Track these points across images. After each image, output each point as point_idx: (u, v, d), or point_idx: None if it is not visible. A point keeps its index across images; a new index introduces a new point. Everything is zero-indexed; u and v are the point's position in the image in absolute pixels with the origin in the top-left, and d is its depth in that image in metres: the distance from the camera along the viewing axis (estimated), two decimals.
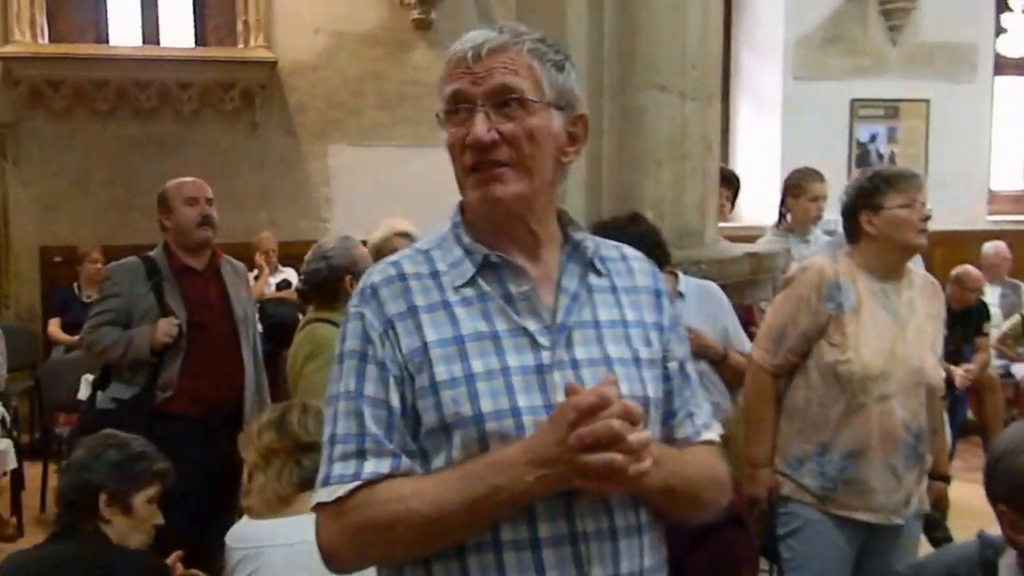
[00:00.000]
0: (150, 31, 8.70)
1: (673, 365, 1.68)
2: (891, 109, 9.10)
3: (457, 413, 1.50)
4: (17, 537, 5.75)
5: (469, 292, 1.59)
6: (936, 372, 3.28)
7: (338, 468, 1.53)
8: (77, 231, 8.10)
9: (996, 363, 7.45)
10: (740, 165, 9.17)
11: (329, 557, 1.55)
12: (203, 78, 8.41)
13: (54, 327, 7.47)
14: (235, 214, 7.38)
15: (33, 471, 6.22)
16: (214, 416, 4.10)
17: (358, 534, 1.51)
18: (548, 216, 1.66)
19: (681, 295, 3.47)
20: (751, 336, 3.74)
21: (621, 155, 3.93)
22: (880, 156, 9.01)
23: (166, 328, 4.06)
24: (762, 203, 8.34)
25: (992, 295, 7.75)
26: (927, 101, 9.11)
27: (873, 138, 9.08)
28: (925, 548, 3.49)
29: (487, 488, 1.45)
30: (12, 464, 5.78)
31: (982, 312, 7.17)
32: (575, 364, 1.56)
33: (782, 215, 5.59)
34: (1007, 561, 2.13)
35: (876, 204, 3.20)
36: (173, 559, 2.99)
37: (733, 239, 4.88)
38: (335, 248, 3.93)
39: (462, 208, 1.67)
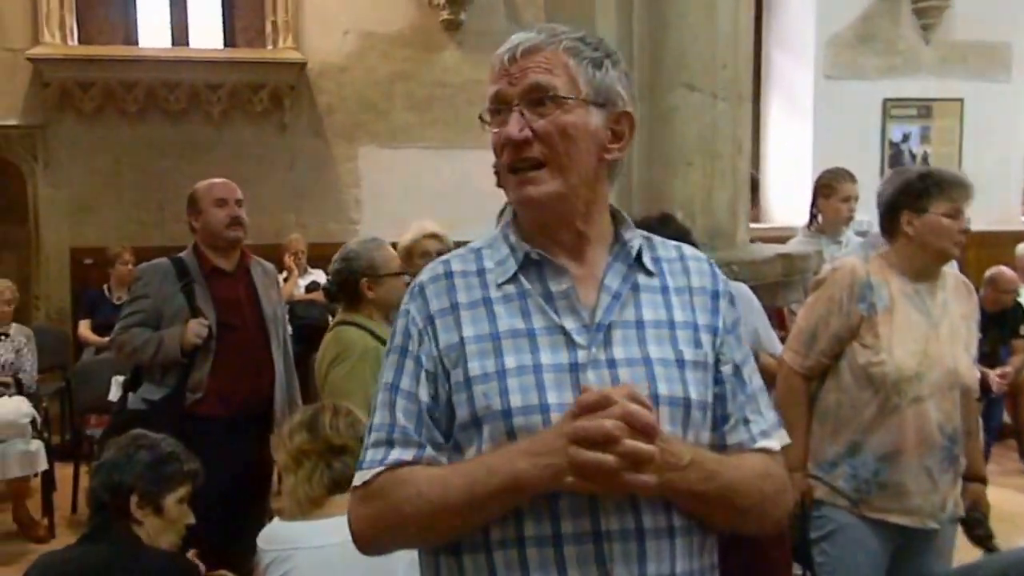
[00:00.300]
0: (179, 32, 8.75)
1: (727, 368, 1.65)
2: (924, 109, 9.03)
3: (487, 407, 1.53)
4: (49, 538, 5.78)
5: (511, 289, 1.62)
6: (971, 373, 3.24)
7: (370, 455, 1.61)
8: (107, 233, 8.15)
9: None
10: (771, 166, 9.12)
11: (356, 538, 1.64)
12: (232, 79, 8.43)
13: (84, 328, 7.52)
14: (264, 216, 7.39)
15: (64, 472, 6.26)
16: (244, 417, 4.10)
17: (377, 516, 1.59)
18: (595, 214, 1.65)
19: None
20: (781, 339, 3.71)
21: (651, 155, 3.90)
22: (913, 156, 8.95)
23: (196, 329, 4.06)
24: (793, 204, 8.30)
25: None
26: (961, 100, 9.03)
27: (906, 138, 9.00)
28: (962, 553, 3.43)
29: (485, 471, 1.48)
30: (43, 465, 5.82)
31: (1018, 314, 7.07)
32: (612, 363, 1.55)
33: (813, 216, 5.54)
34: None
35: (921, 206, 3.15)
36: (191, 555, 2.99)
37: (763, 240, 4.85)
38: (355, 250, 3.92)
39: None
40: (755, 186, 5.77)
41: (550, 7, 4.26)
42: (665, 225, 3.26)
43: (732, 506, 1.57)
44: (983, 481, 3.50)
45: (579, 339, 1.56)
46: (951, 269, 3.45)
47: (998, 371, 6.55)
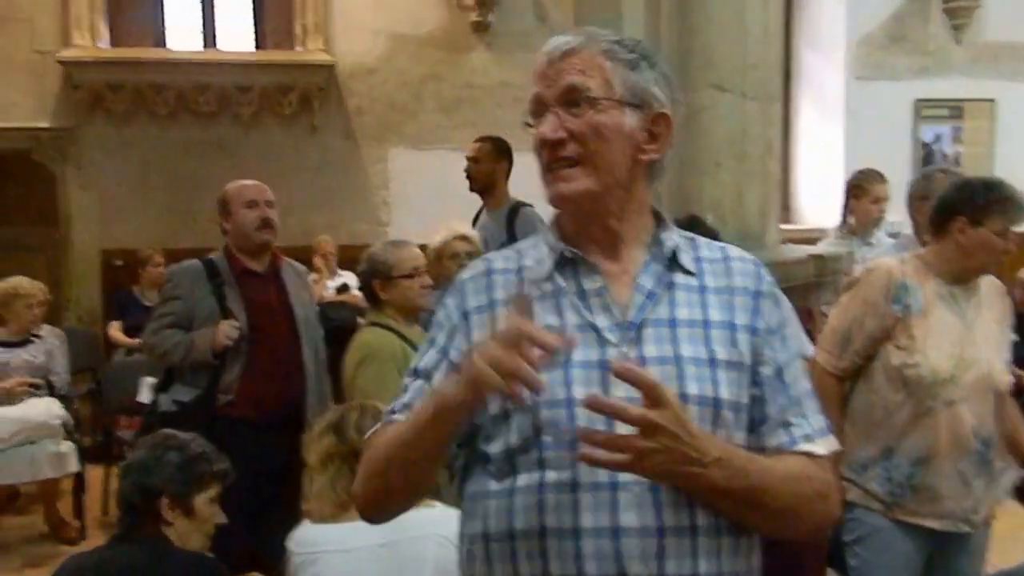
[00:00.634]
0: (209, 35, 8.80)
1: (766, 370, 1.64)
2: (956, 109, 8.98)
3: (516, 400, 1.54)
4: (79, 540, 5.81)
5: (547, 287, 1.65)
6: (1004, 377, 3.21)
7: (376, 427, 1.76)
8: (137, 235, 8.19)
9: None
10: (801, 167, 9.09)
11: (356, 503, 1.77)
12: (262, 82, 8.47)
13: (115, 330, 7.55)
14: (293, 217, 7.41)
15: (94, 474, 6.28)
16: (274, 420, 4.10)
17: (364, 467, 1.73)
18: (631, 214, 1.67)
19: None
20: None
21: (680, 157, 3.88)
22: (945, 157, 8.90)
23: (227, 331, 4.07)
24: (824, 205, 8.25)
25: None
26: (992, 101, 8.98)
27: (937, 139, 8.95)
28: (994, 556, 3.40)
29: (424, 403, 1.60)
30: (75, 467, 5.84)
31: None
32: (642, 361, 1.55)
33: (845, 217, 5.51)
34: None
35: (978, 218, 3.11)
36: None
37: (794, 241, 4.82)
38: (375, 251, 3.92)
39: None
40: None
41: (578, 8, 4.25)
42: (693, 227, 3.21)
43: (761, 506, 1.55)
44: None
45: (610, 337, 1.58)
46: None
47: None
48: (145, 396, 5.80)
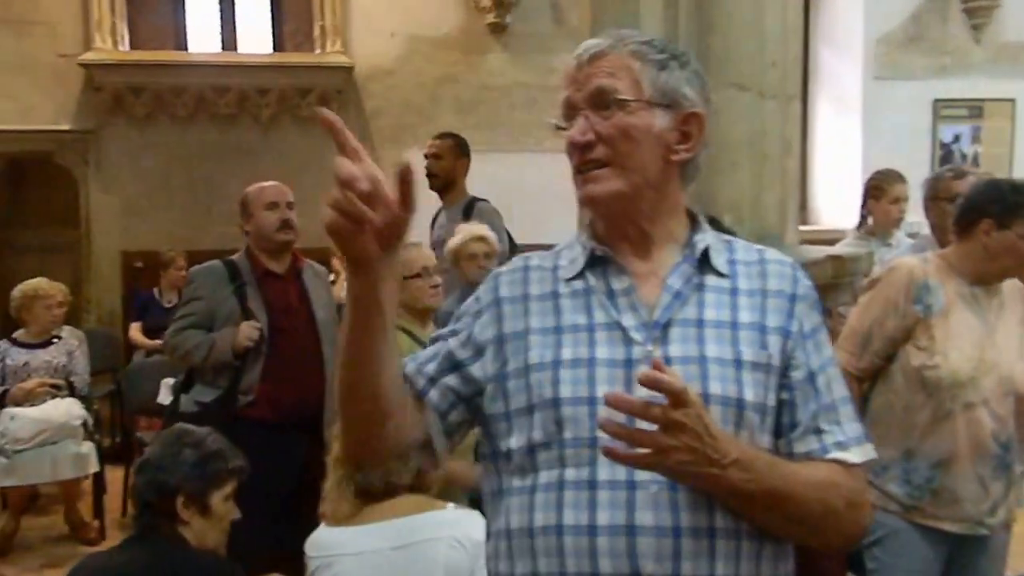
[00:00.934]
0: (228, 37, 8.83)
1: (797, 374, 1.62)
2: (975, 109, 8.93)
3: (540, 395, 1.59)
4: (99, 540, 5.84)
5: (578, 285, 1.67)
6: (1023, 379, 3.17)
7: None
8: (157, 236, 8.23)
9: None
10: (818, 167, 9.05)
11: (343, 454, 1.79)
12: (281, 84, 8.50)
13: (135, 331, 7.60)
14: (311, 219, 7.41)
15: (114, 475, 6.32)
16: (294, 420, 4.12)
17: None
18: (662, 215, 1.68)
19: None
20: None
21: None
22: (964, 157, 8.85)
23: (248, 332, 4.09)
24: (841, 206, 8.22)
25: None
26: (1012, 100, 8.93)
27: (957, 139, 8.90)
28: (1016, 559, 3.38)
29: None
30: (95, 467, 5.88)
31: None
32: (667, 361, 1.54)
33: (864, 218, 5.49)
34: None
35: (1005, 220, 3.07)
36: None
37: (810, 243, 4.80)
38: None
39: None
40: None
41: (595, 8, 4.24)
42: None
43: (784, 512, 1.53)
44: None
45: (636, 336, 1.59)
46: None
47: None
48: (165, 397, 5.84)
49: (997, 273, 3.15)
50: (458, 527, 2.63)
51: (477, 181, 5.72)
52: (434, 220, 5.72)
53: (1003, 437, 3.08)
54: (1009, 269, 3.14)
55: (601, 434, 1.49)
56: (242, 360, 4.10)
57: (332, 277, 7.20)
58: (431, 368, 1.70)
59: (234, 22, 8.83)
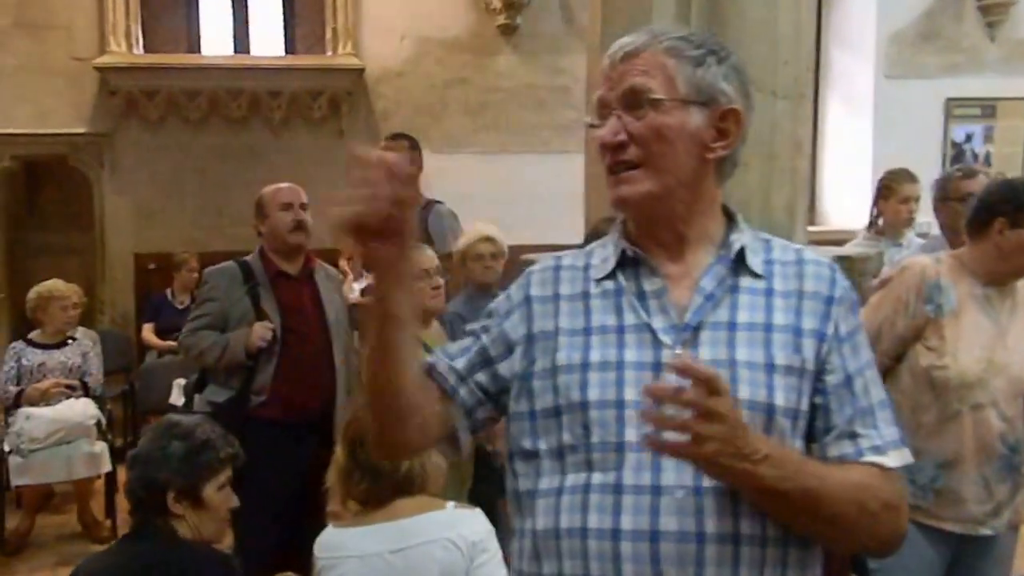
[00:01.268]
0: (241, 40, 8.86)
1: (832, 378, 1.59)
2: (988, 108, 8.88)
3: (567, 398, 1.58)
4: (111, 539, 5.85)
5: (609, 285, 1.65)
6: None
7: None
8: (169, 238, 8.28)
9: None
10: (829, 166, 9.02)
11: (371, 446, 1.78)
12: (292, 86, 8.52)
13: (148, 332, 7.64)
14: (321, 220, 7.45)
15: (126, 474, 6.32)
16: (305, 422, 4.14)
17: None
18: (696, 215, 1.65)
19: None
20: None
21: None
22: (976, 156, 8.81)
23: (261, 332, 4.11)
24: (851, 206, 8.19)
25: None
26: None
27: (969, 138, 8.86)
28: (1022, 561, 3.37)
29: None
30: (107, 467, 5.90)
31: None
32: None
33: (874, 218, 5.47)
34: None
35: (1019, 220, 3.05)
36: None
37: (819, 243, 4.79)
38: None
39: None
40: None
41: (607, 8, 4.24)
42: None
43: (815, 513, 1.50)
44: None
45: (665, 338, 1.57)
46: None
47: None
48: (177, 398, 5.87)
49: (1010, 272, 3.13)
50: (453, 528, 2.63)
51: (485, 182, 5.71)
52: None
53: (1011, 439, 3.06)
54: (1022, 268, 3.12)
55: (629, 437, 1.51)
56: (255, 360, 4.12)
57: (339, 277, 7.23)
58: (461, 364, 1.71)
59: (247, 25, 8.87)
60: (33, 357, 6.00)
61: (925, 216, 5.23)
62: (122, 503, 6.15)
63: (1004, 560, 3.25)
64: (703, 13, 3.85)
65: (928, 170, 6.37)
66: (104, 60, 8.15)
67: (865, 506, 1.52)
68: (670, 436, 1.39)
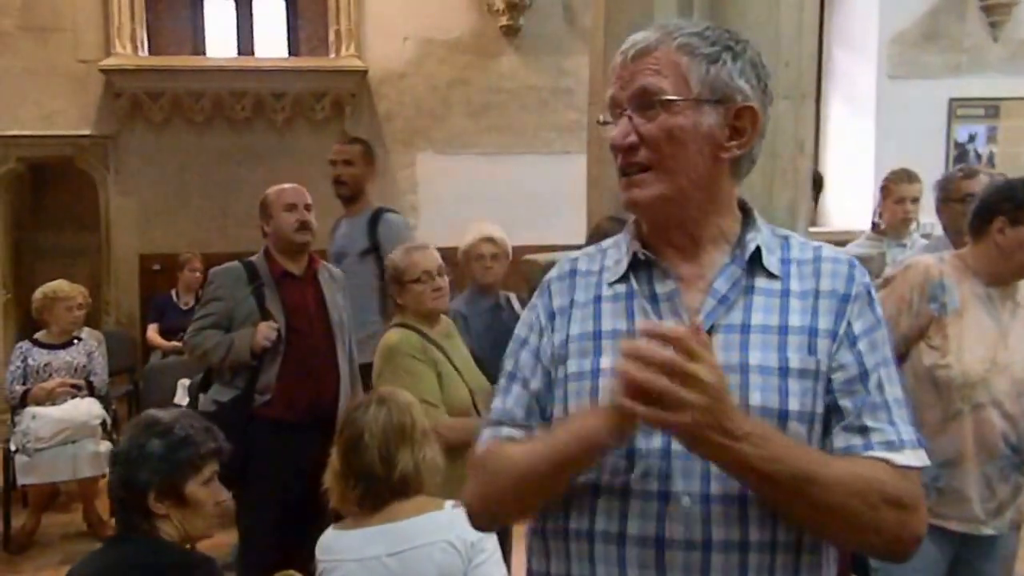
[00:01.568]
0: (245, 42, 8.89)
1: (844, 374, 1.53)
2: (991, 108, 8.86)
3: (579, 406, 1.56)
4: None
5: (621, 288, 1.62)
6: None
7: (484, 434, 1.69)
8: (174, 239, 8.32)
9: None
10: (831, 167, 9.01)
11: (468, 513, 1.71)
12: (296, 88, 8.56)
13: (152, 332, 7.66)
14: (324, 221, 7.47)
15: None
16: (309, 422, 4.14)
17: (480, 487, 1.65)
18: (711, 215, 1.60)
19: None
20: None
21: None
22: (979, 157, 8.79)
23: (266, 332, 4.11)
24: (854, 206, 8.19)
25: None
26: None
27: (972, 138, 8.85)
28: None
29: (563, 432, 1.52)
30: None
31: None
32: None
33: (877, 218, 5.46)
34: None
35: (1018, 217, 3.06)
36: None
37: None
38: (392, 256, 3.91)
39: None
40: (818, 184, 5.65)
41: (609, 10, 4.25)
42: None
43: (812, 500, 1.42)
44: None
45: None
46: None
47: None
48: (181, 398, 5.89)
49: (1012, 271, 3.13)
50: (452, 529, 2.63)
51: (487, 183, 5.70)
52: (334, 229, 5.46)
53: (1013, 438, 3.06)
54: (1022, 269, 3.12)
55: (639, 444, 1.49)
56: (259, 360, 4.13)
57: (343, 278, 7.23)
58: (521, 414, 1.67)
59: (251, 27, 8.90)
60: (39, 357, 6.02)
61: (928, 217, 5.22)
62: None
63: (1006, 559, 3.25)
64: (705, 14, 3.86)
65: (931, 171, 6.36)
66: (109, 62, 8.20)
67: (865, 499, 1.44)
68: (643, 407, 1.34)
